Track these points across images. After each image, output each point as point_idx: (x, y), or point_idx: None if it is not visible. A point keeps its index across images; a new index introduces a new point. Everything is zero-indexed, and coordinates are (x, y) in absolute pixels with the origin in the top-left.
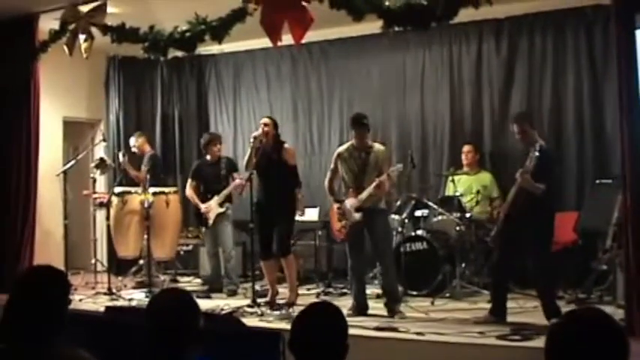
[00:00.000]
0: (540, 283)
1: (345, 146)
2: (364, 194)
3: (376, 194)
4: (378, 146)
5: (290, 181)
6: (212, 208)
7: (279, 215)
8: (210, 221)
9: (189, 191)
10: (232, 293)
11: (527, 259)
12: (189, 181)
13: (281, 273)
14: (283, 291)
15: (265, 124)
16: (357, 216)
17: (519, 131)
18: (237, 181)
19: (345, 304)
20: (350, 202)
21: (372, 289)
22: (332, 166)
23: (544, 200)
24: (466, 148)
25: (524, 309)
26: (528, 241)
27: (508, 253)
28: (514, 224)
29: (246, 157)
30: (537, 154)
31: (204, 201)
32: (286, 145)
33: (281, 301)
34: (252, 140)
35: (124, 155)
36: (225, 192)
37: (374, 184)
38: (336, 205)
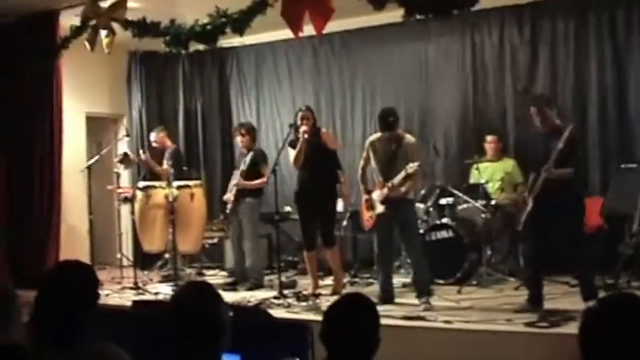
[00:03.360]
0: (579, 264)
1: (377, 135)
2: (396, 179)
3: (407, 186)
4: (409, 138)
5: (331, 166)
6: (229, 198)
7: (322, 204)
8: (227, 211)
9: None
10: (255, 287)
11: (561, 243)
12: None
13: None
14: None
15: (306, 118)
16: (381, 208)
17: (537, 113)
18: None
19: (371, 294)
20: (377, 194)
21: (398, 279)
22: (364, 154)
23: (572, 182)
24: (489, 138)
25: (552, 295)
26: (562, 224)
27: (542, 240)
28: (545, 211)
29: (295, 154)
30: (562, 144)
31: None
32: (323, 130)
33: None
34: (305, 136)
35: (144, 152)
36: (231, 184)
37: (401, 173)
38: (365, 196)
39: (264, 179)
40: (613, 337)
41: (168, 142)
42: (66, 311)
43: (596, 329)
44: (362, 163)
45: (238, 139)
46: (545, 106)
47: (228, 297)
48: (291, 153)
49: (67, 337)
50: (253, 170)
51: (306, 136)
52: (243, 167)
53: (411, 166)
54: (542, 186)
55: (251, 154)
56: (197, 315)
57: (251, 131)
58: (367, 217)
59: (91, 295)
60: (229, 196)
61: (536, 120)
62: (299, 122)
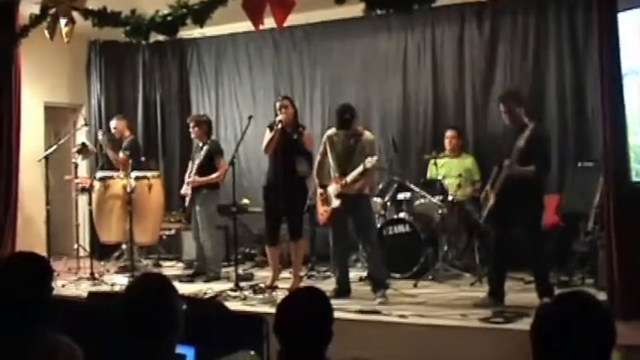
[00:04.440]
0: (534, 262)
1: (335, 129)
2: (350, 176)
3: (361, 182)
4: (367, 134)
5: (304, 164)
6: (187, 192)
7: (291, 198)
8: (186, 203)
9: None
10: (212, 279)
11: (520, 239)
12: None
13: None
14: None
15: (285, 107)
16: (337, 203)
17: (505, 110)
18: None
19: (328, 287)
20: (332, 188)
21: (354, 272)
22: (321, 148)
23: (534, 181)
24: (449, 133)
25: (507, 291)
26: (522, 221)
27: (504, 235)
28: (506, 207)
29: (266, 140)
30: (522, 142)
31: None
32: (306, 131)
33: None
34: (279, 126)
35: (102, 134)
36: (186, 177)
37: (359, 168)
38: (319, 190)
39: (218, 173)
40: (564, 335)
41: (127, 132)
42: (17, 303)
43: (547, 326)
44: (319, 157)
45: (192, 131)
46: (513, 104)
47: (185, 289)
48: (267, 135)
49: (18, 329)
50: (208, 164)
51: (280, 126)
52: (198, 161)
53: (369, 161)
54: (503, 182)
55: (206, 147)
56: (150, 306)
57: (201, 123)
58: (322, 212)
59: (43, 287)
60: (186, 189)
61: (505, 117)
62: (277, 112)
